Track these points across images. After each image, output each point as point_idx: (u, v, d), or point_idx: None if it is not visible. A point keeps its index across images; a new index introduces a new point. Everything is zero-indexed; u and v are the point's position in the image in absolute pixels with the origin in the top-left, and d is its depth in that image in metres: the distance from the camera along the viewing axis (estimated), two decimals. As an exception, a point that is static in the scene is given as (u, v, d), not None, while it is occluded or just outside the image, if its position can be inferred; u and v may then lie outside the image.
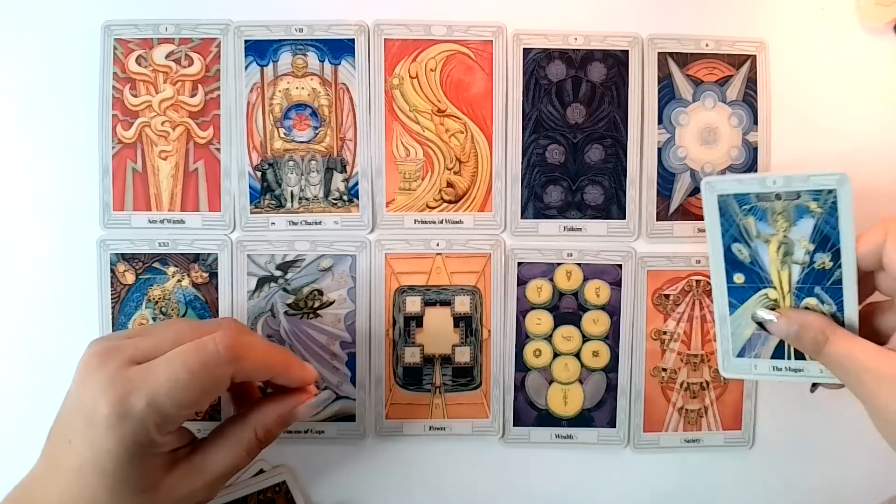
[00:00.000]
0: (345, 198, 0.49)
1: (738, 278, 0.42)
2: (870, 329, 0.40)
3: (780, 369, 0.43)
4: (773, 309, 0.42)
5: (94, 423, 0.35)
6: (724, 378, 0.48)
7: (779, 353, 0.43)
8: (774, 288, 0.42)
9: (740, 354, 0.44)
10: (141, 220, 0.49)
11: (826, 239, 0.40)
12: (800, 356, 0.42)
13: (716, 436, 0.50)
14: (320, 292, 0.49)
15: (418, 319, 0.49)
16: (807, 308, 0.41)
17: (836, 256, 0.40)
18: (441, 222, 0.49)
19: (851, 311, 0.40)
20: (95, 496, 0.36)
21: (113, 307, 0.49)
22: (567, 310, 0.50)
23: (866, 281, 0.40)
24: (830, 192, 0.39)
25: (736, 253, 0.42)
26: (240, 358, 0.37)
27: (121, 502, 0.36)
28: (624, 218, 0.50)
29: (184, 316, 0.49)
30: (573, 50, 0.49)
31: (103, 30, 0.48)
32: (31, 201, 0.49)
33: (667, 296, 0.50)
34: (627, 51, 0.49)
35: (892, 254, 0.38)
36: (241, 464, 0.40)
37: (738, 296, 0.43)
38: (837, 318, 0.41)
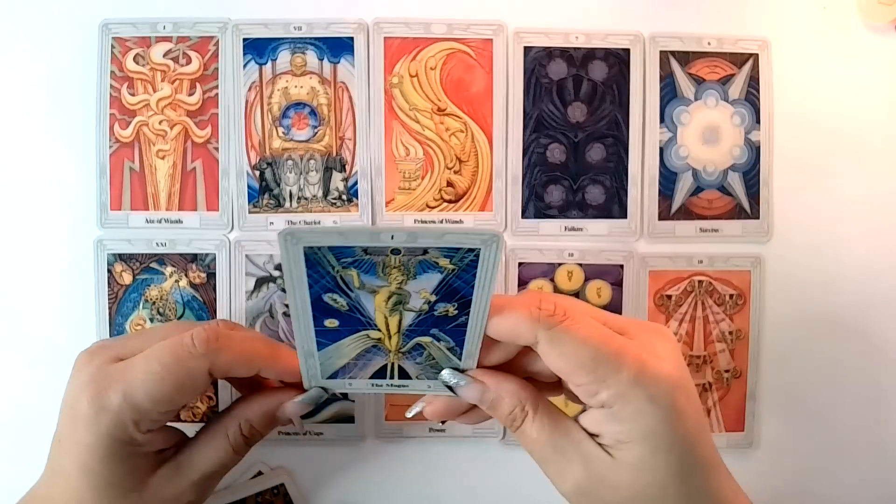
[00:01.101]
0: (344, 197, 0.49)
1: (331, 323, 0.34)
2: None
3: (381, 385, 0.38)
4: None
5: (76, 419, 0.35)
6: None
7: (380, 374, 0.37)
8: (378, 329, 0.35)
9: (332, 377, 0.38)
10: (138, 220, 0.48)
11: (454, 291, 0.33)
12: (404, 376, 0.37)
13: (718, 437, 0.50)
14: (319, 293, 0.49)
15: (418, 320, 0.49)
16: (419, 345, 0.35)
17: (464, 307, 0.33)
18: (441, 222, 0.49)
19: (473, 345, 0.35)
20: (82, 497, 0.35)
21: (110, 308, 0.48)
22: (568, 310, 0.49)
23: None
24: (471, 250, 0.31)
25: (329, 302, 0.33)
26: (215, 351, 0.36)
27: (106, 503, 0.36)
28: (625, 218, 0.49)
29: (181, 317, 0.49)
30: (574, 48, 0.49)
31: (101, 28, 0.48)
32: (28, 201, 0.49)
33: (669, 296, 0.49)
34: (629, 49, 0.49)
35: (551, 359, 0.33)
36: (228, 462, 0.38)
37: (330, 337, 0.35)
38: (455, 352, 0.36)
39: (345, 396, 0.49)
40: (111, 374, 0.36)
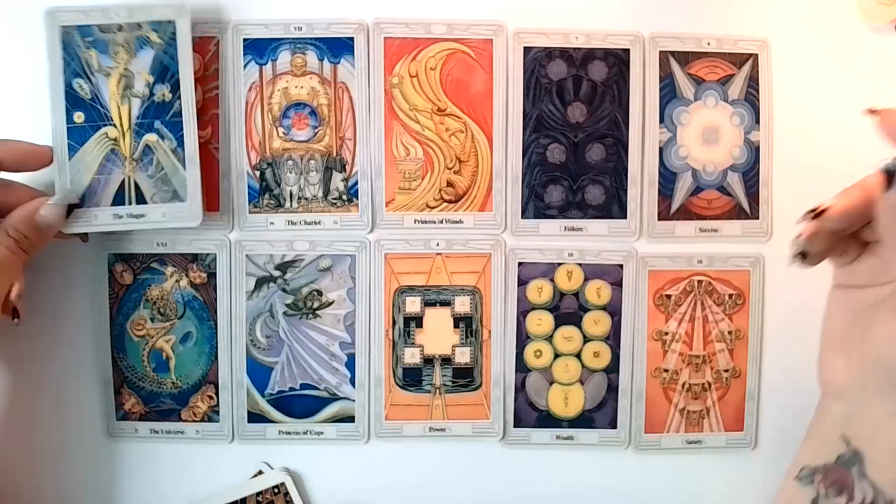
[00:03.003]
0: (344, 197, 0.49)
1: (79, 117, 0.42)
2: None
3: (122, 216, 0.43)
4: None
5: None
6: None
7: (119, 199, 0.43)
8: (115, 126, 0.42)
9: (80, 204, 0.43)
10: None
11: (165, 70, 0.42)
12: (141, 201, 0.43)
13: (718, 437, 0.50)
14: (319, 292, 0.49)
15: (418, 320, 0.49)
16: (148, 146, 0.43)
17: (176, 87, 0.42)
18: (441, 222, 0.49)
19: (191, 144, 0.43)
20: None
21: (111, 307, 0.49)
22: (568, 310, 0.49)
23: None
24: (170, 22, 0.42)
25: (77, 89, 0.42)
26: None
27: None
28: (625, 218, 0.49)
29: (182, 317, 0.49)
30: (574, 49, 0.49)
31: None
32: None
33: (668, 296, 0.50)
34: (629, 49, 0.49)
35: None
36: (7, 261, 0.41)
37: (77, 137, 0.42)
38: (178, 154, 0.43)
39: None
40: None
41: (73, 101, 0.42)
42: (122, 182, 0.44)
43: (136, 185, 0.44)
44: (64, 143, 0.43)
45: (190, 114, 0.43)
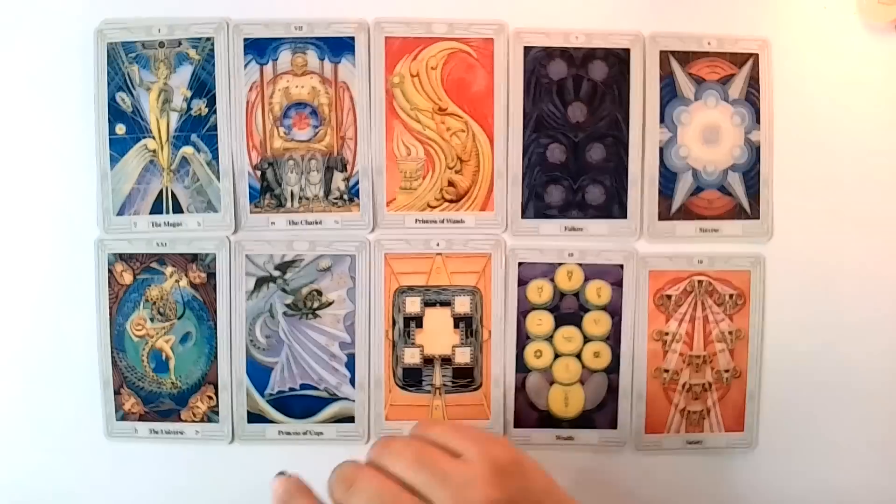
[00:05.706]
0: (345, 197, 0.49)
1: (120, 129, 0.45)
2: None
3: (159, 224, 0.46)
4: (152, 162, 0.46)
5: None
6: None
7: (157, 208, 0.46)
8: (154, 138, 0.45)
9: (120, 213, 0.46)
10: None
11: (203, 85, 0.45)
12: (178, 210, 0.46)
13: (718, 437, 0.50)
14: (319, 293, 0.49)
15: (418, 320, 0.49)
16: (184, 157, 0.45)
17: (212, 102, 0.44)
18: (442, 222, 0.49)
19: (226, 157, 0.45)
20: None
21: (111, 307, 0.48)
22: (568, 310, 0.49)
23: None
24: (209, 39, 0.44)
25: (119, 103, 0.45)
26: None
27: None
28: (625, 218, 0.49)
29: (181, 317, 0.49)
30: (574, 48, 0.49)
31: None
32: (31, 200, 0.49)
33: (668, 296, 0.50)
34: (629, 49, 0.49)
35: None
36: None
37: (119, 148, 0.45)
38: (213, 167, 0.45)
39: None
40: None
41: (115, 113, 0.45)
42: (160, 192, 0.46)
43: (173, 195, 0.46)
44: (106, 153, 0.45)
45: (225, 128, 0.45)
